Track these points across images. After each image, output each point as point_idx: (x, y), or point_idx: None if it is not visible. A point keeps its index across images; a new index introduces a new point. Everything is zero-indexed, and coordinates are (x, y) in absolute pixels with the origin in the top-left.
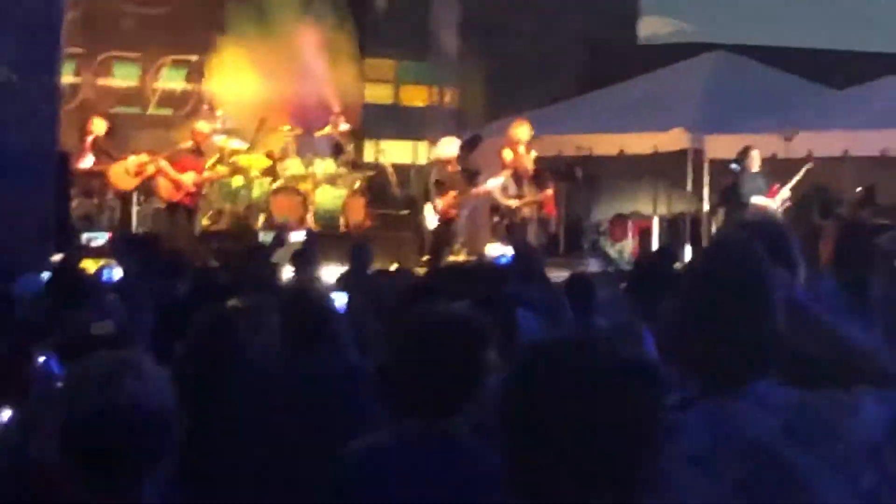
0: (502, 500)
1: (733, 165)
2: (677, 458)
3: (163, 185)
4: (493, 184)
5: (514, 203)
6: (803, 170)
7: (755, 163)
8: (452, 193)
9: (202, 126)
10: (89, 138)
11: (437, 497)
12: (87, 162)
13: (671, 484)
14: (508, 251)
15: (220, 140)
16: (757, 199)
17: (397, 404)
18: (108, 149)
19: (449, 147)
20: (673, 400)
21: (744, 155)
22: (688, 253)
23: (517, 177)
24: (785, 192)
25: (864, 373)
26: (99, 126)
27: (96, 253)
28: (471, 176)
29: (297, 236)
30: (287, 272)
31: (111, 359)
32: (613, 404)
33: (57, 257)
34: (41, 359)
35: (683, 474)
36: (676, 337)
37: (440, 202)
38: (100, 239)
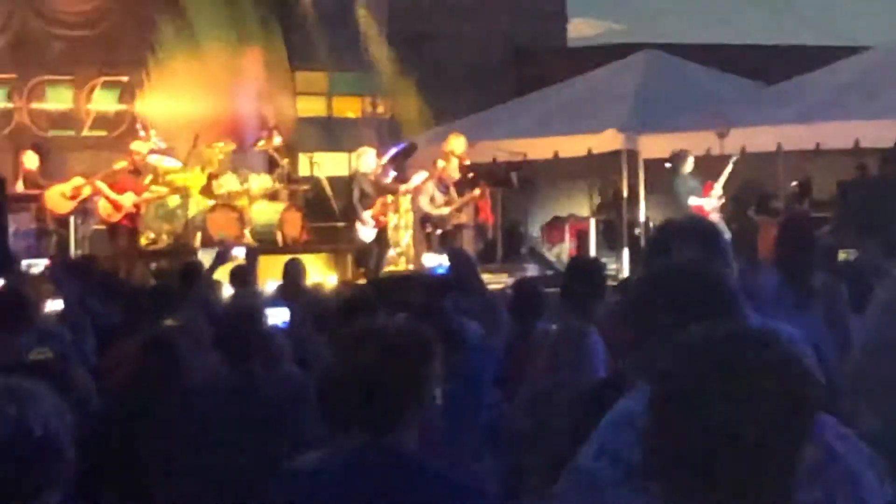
0: None
1: (668, 165)
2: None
3: (102, 207)
4: (417, 179)
5: (444, 211)
6: (730, 163)
7: (688, 166)
8: (381, 200)
9: (139, 146)
10: (22, 169)
11: None
12: (20, 188)
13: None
14: (445, 260)
15: (154, 159)
16: (693, 201)
17: (338, 420)
18: (38, 180)
19: (366, 158)
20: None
21: (677, 158)
22: (625, 256)
23: (443, 185)
24: (718, 188)
25: None
26: (31, 161)
27: (36, 280)
28: (404, 184)
29: (237, 253)
30: (226, 289)
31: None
32: (768, 401)
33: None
34: None
35: None
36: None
37: (368, 214)
38: (39, 265)
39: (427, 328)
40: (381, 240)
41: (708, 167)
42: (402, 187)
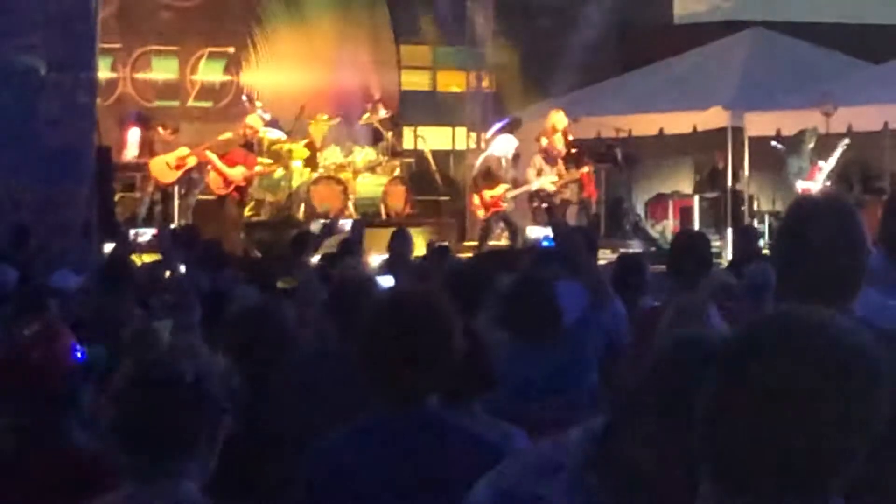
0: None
1: (774, 143)
2: None
3: (213, 179)
4: (538, 184)
5: (550, 187)
6: (840, 147)
7: (809, 144)
8: (504, 186)
9: (253, 120)
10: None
11: (414, 478)
12: (129, 154)
13: None
14: (549, 233)
15: (260, 131)
16: (801, 185)
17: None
18: (154, 148)
19: (505, 143)
20: None
21: (801, 136)
22: (729, 233)
23: (550, 159)
24: (826, 170)
25: None
26: (133, 135)
27: (143, 248)
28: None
29: (344, 225)
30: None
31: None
32: (837, 389)
33: (108, 248)
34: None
35: None
36: None
37: (487, 193)
38: (146, 235)
39: (445, 299)
40: (510, 221)
41: (814, 146)
42: (526, 186)
